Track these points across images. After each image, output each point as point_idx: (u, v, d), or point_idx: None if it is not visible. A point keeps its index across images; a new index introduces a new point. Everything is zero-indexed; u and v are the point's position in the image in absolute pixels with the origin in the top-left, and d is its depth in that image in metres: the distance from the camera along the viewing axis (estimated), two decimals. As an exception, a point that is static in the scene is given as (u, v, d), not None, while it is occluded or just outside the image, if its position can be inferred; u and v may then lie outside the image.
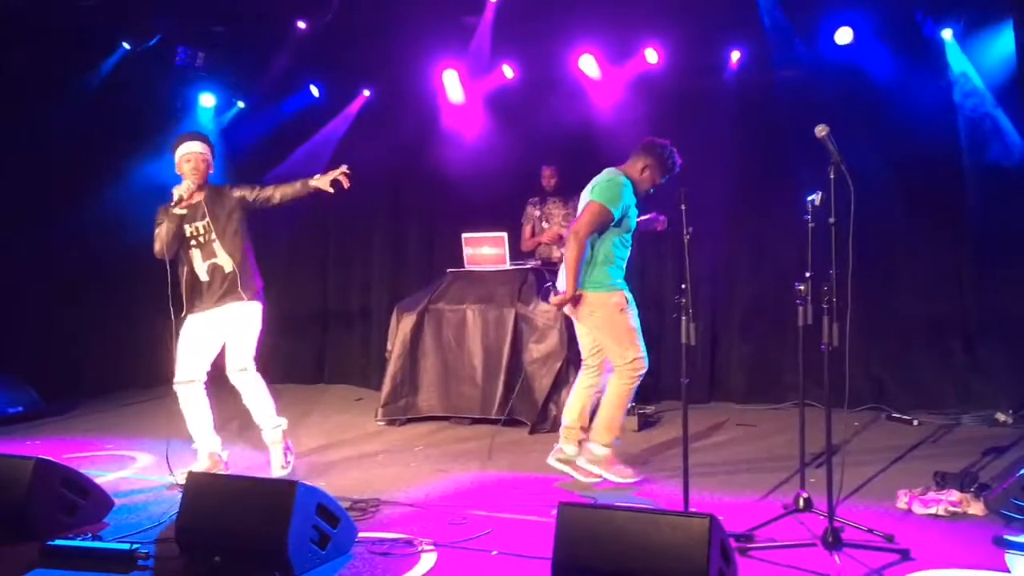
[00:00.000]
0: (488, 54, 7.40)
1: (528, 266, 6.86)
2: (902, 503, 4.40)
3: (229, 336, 5.21)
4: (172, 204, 5.02)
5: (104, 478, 5.12)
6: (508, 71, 7.63)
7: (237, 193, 5.18)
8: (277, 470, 5.23)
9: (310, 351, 8.76)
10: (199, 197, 5.14)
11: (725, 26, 6.91)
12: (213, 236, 5.12)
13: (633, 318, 4.91)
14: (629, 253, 4.98)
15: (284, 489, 3.68)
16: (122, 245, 7.96)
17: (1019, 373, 6.25)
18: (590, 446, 4.95)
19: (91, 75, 7.46)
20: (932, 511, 4.27)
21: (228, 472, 5.17)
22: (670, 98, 7.13)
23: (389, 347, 6.82)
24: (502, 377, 6.40)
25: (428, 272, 7.82)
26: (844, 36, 6.52)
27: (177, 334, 5.13)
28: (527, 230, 7.35)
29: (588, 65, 7.23)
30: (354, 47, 7.74)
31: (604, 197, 4.77)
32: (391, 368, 6.74)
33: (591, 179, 4.91)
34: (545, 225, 7.30)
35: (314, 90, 8.35)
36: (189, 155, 5.13)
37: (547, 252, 7.25)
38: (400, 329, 6.74)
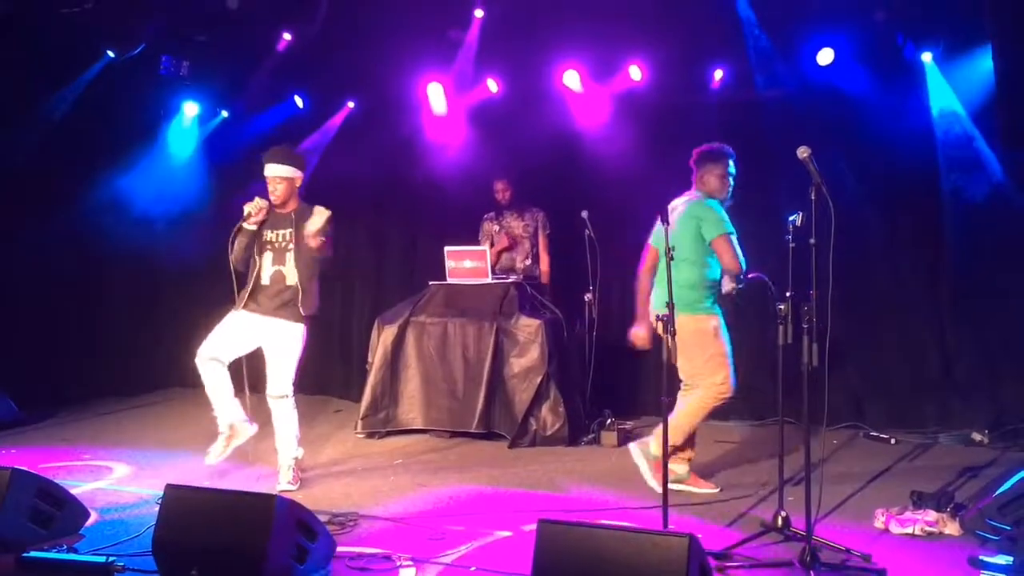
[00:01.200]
0: (473, 68, 7.43)
1: (510, 280, 6.86)
2: (879, 522, 4.43)
3: (271, 356, 5.24)
4: (243, 218, 5.12)
5: (80, 489, 5.07)
6: (492, 85, 7.66)
7: (324, 226, 5.07)
8: (284, 484, 5.20)
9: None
10: (292, 207, 5.22)
11: (708, 45, 6.96)
12: (291, 247, 5.18)
13: (726, 342, 5.01)
14: None
15: (264, 503, 3.66)
16: (102, 252, 7.95)
17: (995, 393, 6.32)
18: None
19: (75, 83, 7.41)
20: (909, 531, 4.30)
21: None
22: (653, 115, 7.17)
23: (370, 359, 6.80)
24: (482, 391, 6.39)
25: (409, 284, 7.80)
26: (826, 57, 6.57)
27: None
28: (486, 245, 7.34)
29: (572, 81, 7.27)
30: (339, 58, 7.73)
31: (725, 227, 4.94)
32: (371, 380, 6.72)
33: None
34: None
35: (298, 100, 8.33)
36: (268, 178, 5.21)
37: (511, 264, 7.24)
38: (381, 341, 6.72)
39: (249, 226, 5.17)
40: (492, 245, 7.26)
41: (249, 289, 5.25)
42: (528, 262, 7.22)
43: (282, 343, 5.22)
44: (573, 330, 6.80)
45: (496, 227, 7.30)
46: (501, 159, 7.45)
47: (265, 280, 5.23)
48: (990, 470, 5.38)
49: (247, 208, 5.13)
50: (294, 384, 5.26)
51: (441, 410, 6.58)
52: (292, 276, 5.20)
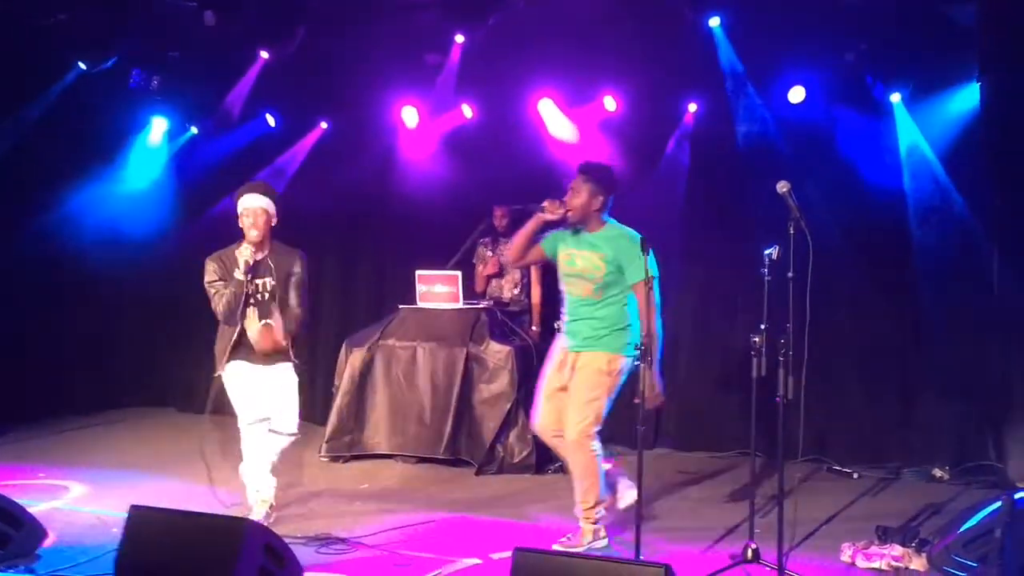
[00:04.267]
0: (450, 93, 7.43)
1: (481, 306, 6.84)
2: (846, 556, 4.46)
3: (277, 400, 4.98)
4: (241, 270, 4.79)
5: (36, 508, 4.91)
6: (467, 111, 7.67)
7: (297, 270, 4.97)
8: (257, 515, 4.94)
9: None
10: (262, 253, 4.92)
11: (684, 78, 7.03)
12: (273, 297, 4.90)
13: None
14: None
15: (231, 526, 3.59)
16: (65, 266, 7.80)
17: (956, 430, 6.40)
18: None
19: (44, 94, 7.30)
20: (875, 565, 4.33)
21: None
22: (627, 145, 7.21)
23: (336, 382, 6.73)
24: (451, 416, 6.35)
25: (379, 307, 7.74)
26: (796, 95, 6.68)
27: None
28: (480, 269, 7.34)
29: (547, 109, 7.31)
30: (313, 78, 7.70)
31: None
32: (337, 403, 6.64)
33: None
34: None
35: (270, 119, 8.27)
36: (247, 210, 4.89)
37: (498, 292, 7.24)
38: (349, 363, 6.66)
39: (242, 276, 4.81)
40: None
41: (232, 343, 4.91)
42: (516, 291, 7.18)
43: (285, 387, 4.99)
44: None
45: (489, 253, 7.28)
46: (470, 183, 7.46)
47: (252, 335, 4.89)
48: (952, 506, 5.43)
49: (242, 257, 4.77)
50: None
51: (408, 435, 6.51)
52: (280, 331, 4.91)
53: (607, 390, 4.61)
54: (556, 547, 4.51)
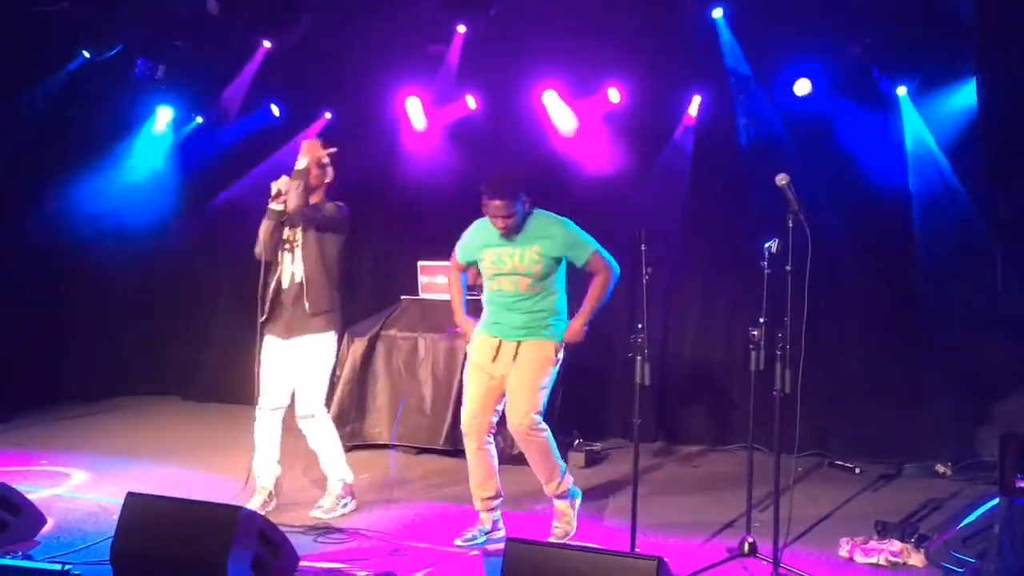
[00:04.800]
0: (453, 84, 7.41)
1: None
2: (844, 551, 4.44)
3: (298, 374, 4.97)
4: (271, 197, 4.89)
5: (37, 495, 4.95)
6: (471, 102, 7.65)
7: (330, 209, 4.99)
8: (317, 511, 4.97)
9: (253, 371, 8.62)
10: (315, 200, 4.97)
11: (688, 70, 6.99)
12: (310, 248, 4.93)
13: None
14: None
15: (226, 514, 3.61)
16: (68, 254, 7.83)
17: (960, 426, 6.37)
18: None
19: (49, 82, 7.31)
20: (873, 560, 4.32)
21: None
22: (631, 137, 7.19)
23: (338, 371, 6.72)
24: (451, 407, 6.34)
25: (380, 298, 7.73)
26: (802, 88, 6.64)
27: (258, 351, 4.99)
28: None
29: (551, 100, 7.28)
30: (318, 68, 7.69)
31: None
32: (338, 393, 6.64)
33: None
34: None
35: (274, 109, 8.26)
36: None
37: None
38: (350, 353, 6.66)
39: (276, 206, 4.88)
40: None
41: (272, 300, 4.97)
42: None
43: (307, 359, 4.97)
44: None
45: None
46: (474, 174, 7.44)
47: (285, 284, 4.96)
48: (954, 502, 5.41)
49: (275, 184, 4.90)
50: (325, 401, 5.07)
51: (408, 425, 6.51)
52: (300, 273, 4.93)
53: (550, 378, 4.59)
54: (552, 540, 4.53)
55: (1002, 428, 6.15)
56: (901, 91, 6.45)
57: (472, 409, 4.64)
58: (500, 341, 4.60)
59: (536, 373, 4.53)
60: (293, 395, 5.04)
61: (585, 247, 4.55)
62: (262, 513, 4.51)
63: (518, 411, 4.51)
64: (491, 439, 4.70)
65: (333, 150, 5.11)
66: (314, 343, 4.96)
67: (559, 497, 4.68)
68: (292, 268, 4.97)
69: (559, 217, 4.61)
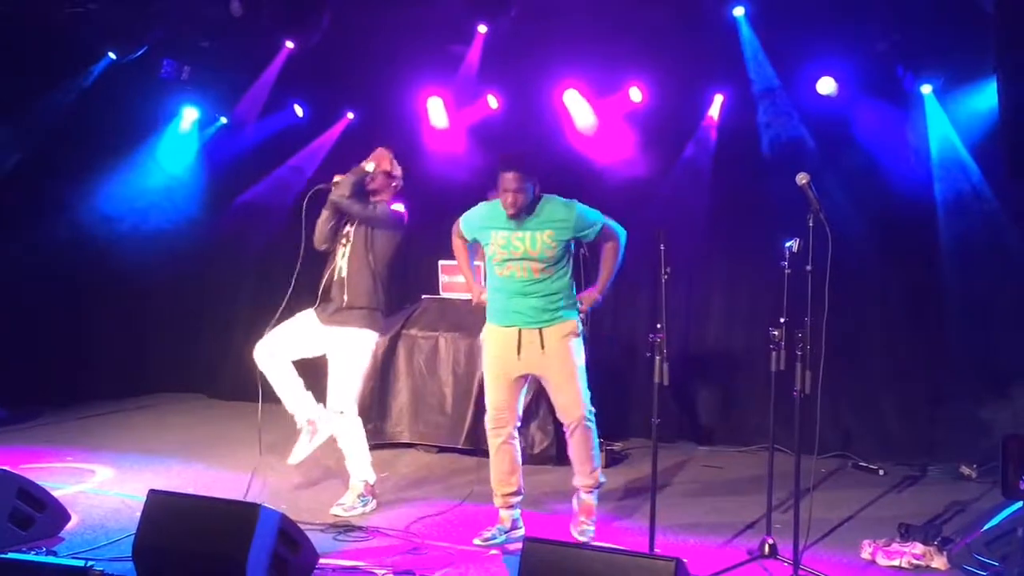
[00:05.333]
0: (474, 83, 7.42)
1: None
2: (866, 553, 4.41)
3: (332, 366, 5.04)
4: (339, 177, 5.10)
5: (62, 491, 5.00)
6: (493, 101, 7.66)
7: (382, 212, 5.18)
8: (337, 508, 5.00)
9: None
10: (380, 197, 5.19)
11: (709, 69, 6.96)
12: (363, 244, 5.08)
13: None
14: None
15: (245, 512, 3.63)
16: (95, 253, 7.91)
17: (985, 428, 6.29)
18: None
19: (74, 83, 7.39)
20: (896, 563, 4.28)
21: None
22: (652, 137, 7.17)
23: (360, 370, 6.76)
24: (471, 407, 6.35)
25: (401, 297, 7.75)
26: (826, 86, 6.59)
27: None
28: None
29: (572, 100, 7.27)
30: (341, 69, 7.73)
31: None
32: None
33: None
34: None
35: (298, 110, 8.32)
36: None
37: None
38: (371, 353, 6.68)
39: (336, 197, 5.05)
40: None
41: (325, 289, 5.12)
42: None
43: (341, 353, 5.03)
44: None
45: None
46: (495, 173, 7.44)
47: (335, 276, 5.09)
48: (978, 505, 5.35)
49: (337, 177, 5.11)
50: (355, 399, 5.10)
51: (429, 425, 6.54)
52: (345, 267, 5.06)
53: (583, 356, 4.60)
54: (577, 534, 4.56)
55: (1029, 430, 6.11)
56: (926, 89, 6.38)
57: (497, 404, 4.63)
58: (519, 331, 4.54)
59: (572, 358, 4.55)
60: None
61: (594, 224, 4.58)
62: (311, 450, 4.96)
63: (573, 404, 4.54)
64: (516, 434, 4.70)
65: (399, 171, 5.33)
66: (348, 337, 5.02)
67: (589, 490, 4.68)
68: (342, 262, 5.09)
69: (566, 200, 4.59)
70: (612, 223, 4.62)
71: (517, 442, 4.73)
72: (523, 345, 4.53)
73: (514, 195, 4.45)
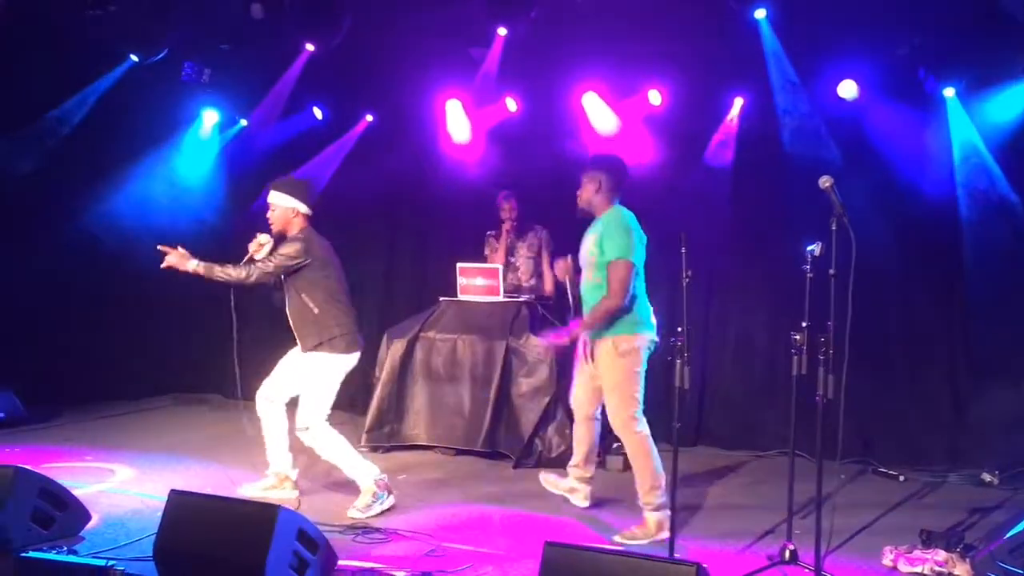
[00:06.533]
0: (493, 86, 7.42)
1: (521, 299, 6.84)
2: (887, 560, 4.37)
3: (302, 385, 5.20)
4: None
5: (82, 490, 5.03)
6: (511, 104, 7.66)
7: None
8: (353, 510, 5.03)
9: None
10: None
11: (729, 72, 6.93)
12: (283, 280, 5.24)
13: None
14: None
15: (265, 513, 3.64)
16: (115, 254, 7.94)
17: (1007, 434, 6.23)
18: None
19: (95, 85, 7.44)
20: (918, 570, 4.24)
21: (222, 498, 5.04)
22: (672, 140, 7.15)
23: (377, 373, 6.77)
24: (489, 409, 6.35)
25: (419, 299, 7.78)
26: (848, 90, 6.55)
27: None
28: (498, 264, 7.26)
29: (591, 103, 7.26)
30: (360, 71, 7.75)
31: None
32: (377, 394, 6.68)
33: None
34: (511, 259, 7.24)
35: (317, 112, 8.34)
36: (269, 204, 5.29)
37: (516, 283, 7.21)
38: (389, 355, 6.70)
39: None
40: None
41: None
42: (533, 281, 7.20)
43: (302, 374, 5.20)
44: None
45: (497, 244, 7.28)
46: (514, 176, 7.46)
47: (288, 312, 5.28)
48: (1000, 512, 5.30)
49: (249, 247, 5.27)
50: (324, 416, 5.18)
51: (447, 427, 6.54)
52: (294, 304, 5.21)
53: (626, 373, 4.66)
54: (617, 538, 4.64)
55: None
56: (949, 92, 6.33)
57: (577, 397, 5.04)
58: (586, 340, 4.86)
59: (611, 372, 4.71)
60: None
61: (612, 247, 4.63)
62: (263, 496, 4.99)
63: (609, 411, 4.80)
64: (597, 417, 4.99)
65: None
66: (314, 359, 5.16)
67: (647, 508, 4.70)
68: (287, 310, 5.28)
69: (624, 213, 4.78)
70: (624, 277, 4.60)
71: (597, 424, 5.06)
72: (587, 352, 4.91)
73: (579, 192, 4.90)
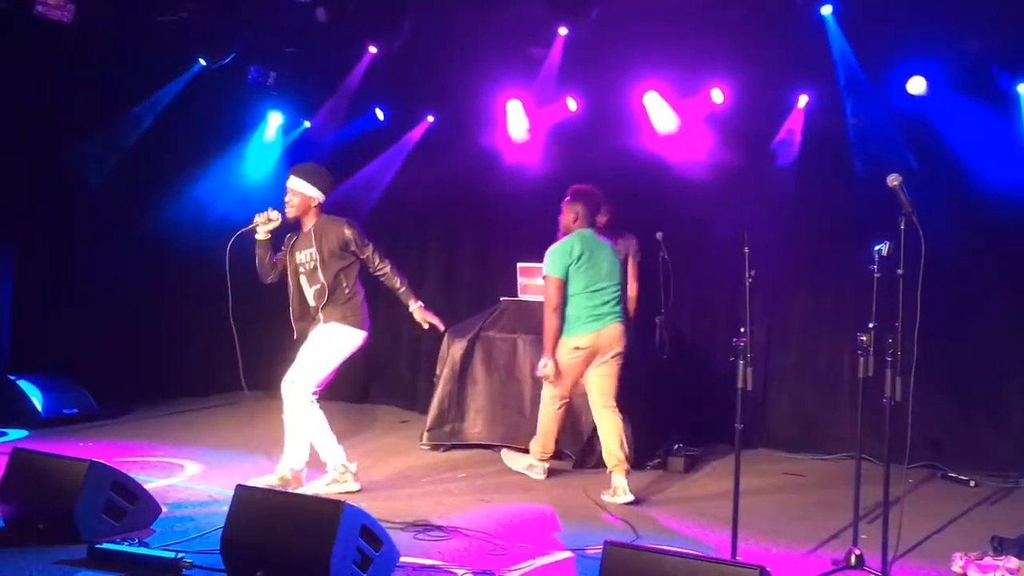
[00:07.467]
0: (554, 86, 7.42)
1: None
2: (957, 566, 4.27)
3: (303, 347, 5.39)
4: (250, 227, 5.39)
5: (152, 484, 5.15)
6: (572, 104, 7.65)
7: (348, 234, 5.37)
8: (314, 485, 5.28)
9: (358, 370, 8.77)
10: (309, 225, 5.42)
11: (794, 68, 6.83)
12: (317, 265, 5.34)
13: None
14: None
15: (330, 508, 3.68)
16: (184, 254, 8.12)
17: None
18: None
19: (165, 90, 7.61)
20: (989, 577, 4.14)
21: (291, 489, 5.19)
22: (735, 139, 7.07)
23: (438, 371, 6.81)
24: (550, 408, 6.34)
25: (480, 299, 7.81)
26: (917, 86, 6.41)
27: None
28: None
29: (653, 102, 7.22)
30: (421, 73, 7.81)
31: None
32: (439, 393, 6.73)
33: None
34: None
35: (379, 113, 8.44)
36: (287, 189, 5.44)
37: None
38: (450, 354, 6.74)
39: (262, 236, 5.42)
40: None
41: (297, 314, 5.53)
42: None
43: (313, 338, 5.37)
44: (652, 353, 6.68)
45: None
46: (574, 176, 7.43)
47: (311, 301, 5.43)
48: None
49: (256, 217, 5.37)
50: (318, 387, 5.35)
51: (507, 426, 6.55)
52: (328, 283, 5.36)
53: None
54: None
55: None
56: (1022, 88, 6.16)
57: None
58: None
59: None
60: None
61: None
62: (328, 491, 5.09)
63: None
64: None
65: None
66: (331, 328, 5.35)
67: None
68: (315, 287, 5.45)
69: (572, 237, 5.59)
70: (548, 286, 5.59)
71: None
72: None
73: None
